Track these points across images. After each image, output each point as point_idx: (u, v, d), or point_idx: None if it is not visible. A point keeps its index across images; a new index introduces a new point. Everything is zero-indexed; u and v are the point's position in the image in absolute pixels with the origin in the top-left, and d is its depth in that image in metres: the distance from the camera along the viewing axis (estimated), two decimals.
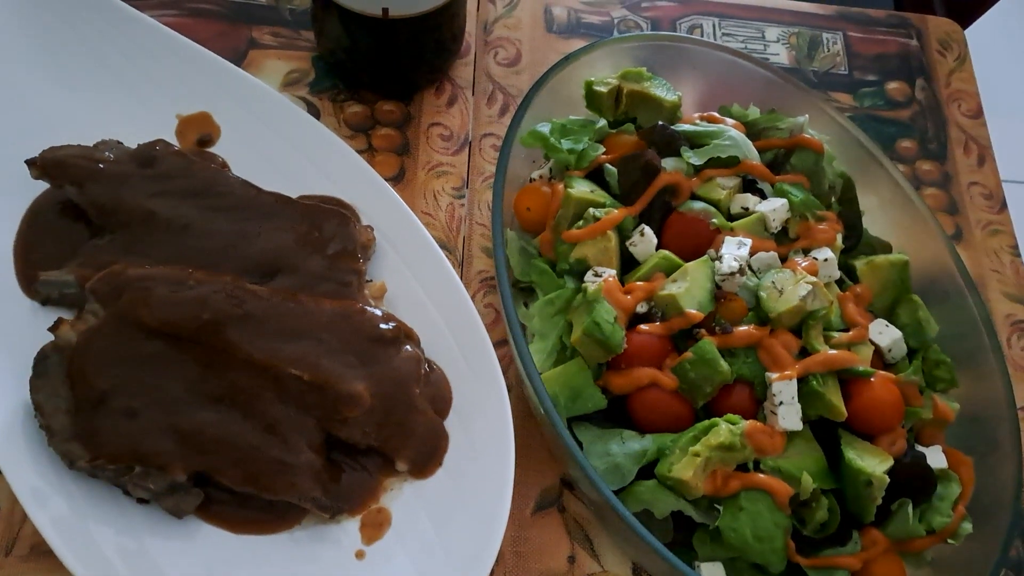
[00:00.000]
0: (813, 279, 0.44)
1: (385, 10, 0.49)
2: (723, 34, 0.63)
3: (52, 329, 0.42)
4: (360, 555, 0.41)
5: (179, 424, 0.40)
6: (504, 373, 0.44)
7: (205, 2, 0.57)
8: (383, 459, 0.43)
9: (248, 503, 0.41)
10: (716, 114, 0.52)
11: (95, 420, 0.40)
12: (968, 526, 0.43)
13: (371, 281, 0.47)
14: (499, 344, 0.46)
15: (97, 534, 0.39)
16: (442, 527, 0.42)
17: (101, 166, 0.46)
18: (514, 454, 0.42)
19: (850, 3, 0.67)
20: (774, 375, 0.42)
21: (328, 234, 0.47)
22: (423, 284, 0.47)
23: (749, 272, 0.45)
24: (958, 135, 0.61)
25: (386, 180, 0.49)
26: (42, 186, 0.47)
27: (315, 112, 0.55)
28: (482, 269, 0.52)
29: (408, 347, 0.44)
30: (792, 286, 0.44)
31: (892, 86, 0.63)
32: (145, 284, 0.42)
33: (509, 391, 0.43)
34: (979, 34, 0.74)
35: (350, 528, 0.42)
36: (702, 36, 0.62)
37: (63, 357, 0.41)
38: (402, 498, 0.43)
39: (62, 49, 0.51)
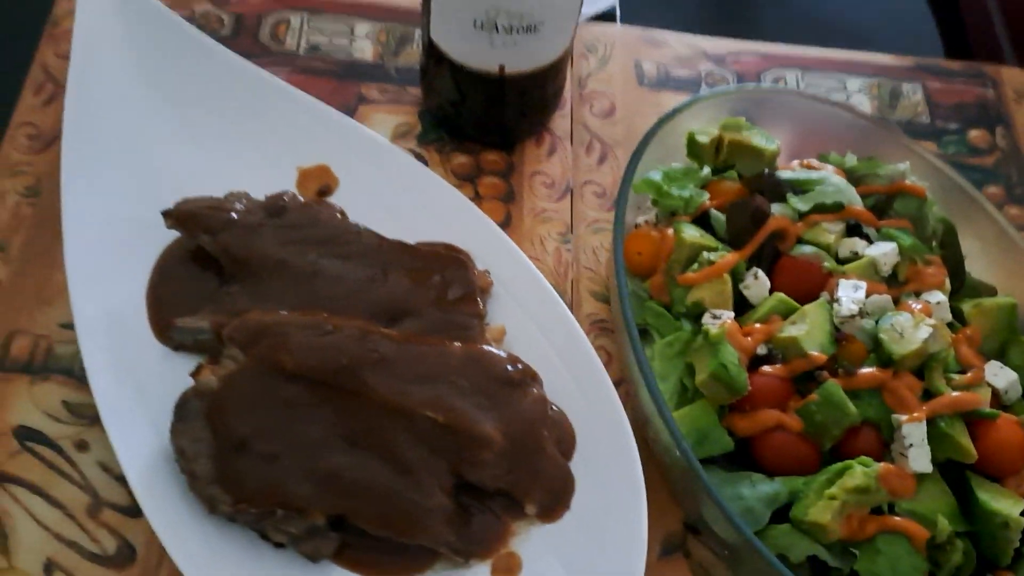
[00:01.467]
0: (932, 321, 0.45)
1: (501, 67, 0.51)
2: (806, 85, 0.64)
3: (194, 375, 0.43)
4: None
5: (318, 468, 0.41)
6: None
7: (317, 61, 0.60)
8: (510, 502, 0.44)
9: (381, 547, 0.42)
10: (816, 161, 0.54)
11: (237, 464, 0.41)
12: None
13: (490, 324, 0.48)
14: (614, 385, 0.46)
15: None
16: (575, 572, 0.42)
17: (234, 216, 0.48)
18: (645, 496, 0.42)
19: (926, 53, 0.68)
20: (903, 417, 0.43)
21: (448, 279, 0.48)
22: (540, 326, 0.48)
23: (866, 315, 0.46)
24: None
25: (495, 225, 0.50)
26: (171, 236, 0.49)
27: (423, 162, 0.56)
28: (591, 312, 0.53)
29: (534, 389, 0.45)
30: (912, 328, 0.45)
31: (974, 134, 0.64)
32: (283, 330, 0.43)
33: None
34: None
35: (481, 573, 0.42)
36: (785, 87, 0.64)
37: (204, 402, 0.42)
38: (531, 542, 0.43)
39: (189, 106, 0.53)
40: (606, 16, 0.67)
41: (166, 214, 0.48)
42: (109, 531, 0.43)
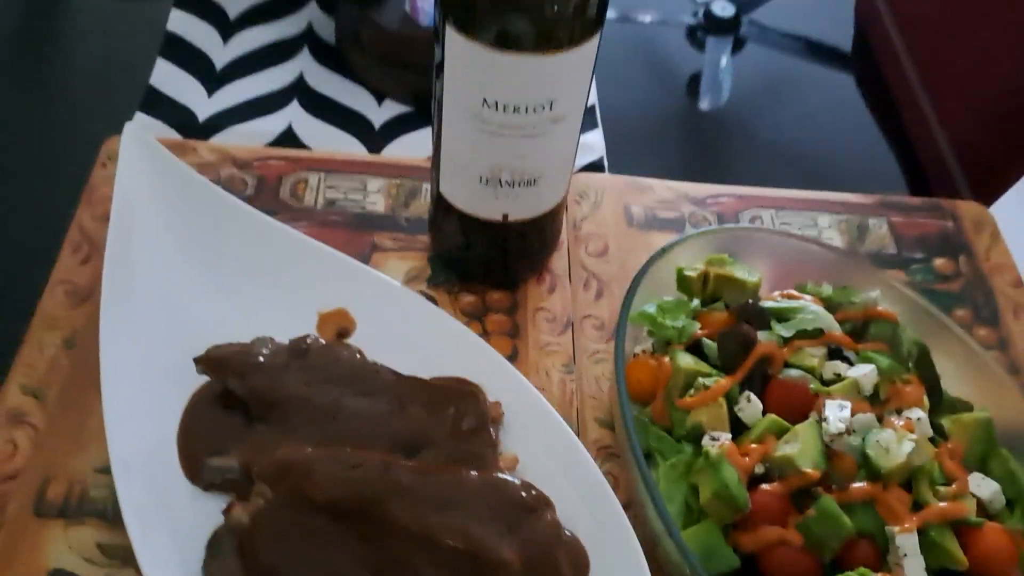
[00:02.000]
0: (914, 436, 0.48)
1: (504, 216, 0.57)
2: (781, 223, 0.70)
3: (225, 512, 0.46)
4: None
5: None
6: None
7: (333, 214, 0.65)
8: None
9: None
10: (795, 291, 0.59)
11: None
12: None
13: (503, 453, 0.51)
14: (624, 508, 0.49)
15: None
16: None
17: (260, 360, 0.52)
18: None
19: (890, 188, 0.75)
20: (896, 528, 0.45)
21: (462, 411, 0.52)
22: (550, 453, 0.51)
23: (853, 432, 0.49)
24: (1006, 303, 0.67)
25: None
26: (201, 380, 0.53)
27: (433, 303, 0.61)
28: (596, 438, 0.56)
29: (548, 514, 0.47)
30: (896, 444, 0.48)
31: (939, 262, 0.69)
32: (309, 464, 0.46)
33: None
34: (1004, 209, 0.82)
35: None
36: (762, 225, 0.70)
37: (236, 538, 0.44)
38: None
39: (217, 260, 0.58)
40: (595, 166, 0.74)
41: (197, 360, 0.52)
42: None
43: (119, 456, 0.47)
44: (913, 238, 0.71)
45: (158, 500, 0.47)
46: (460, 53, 0.49)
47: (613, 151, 0.61)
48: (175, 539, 0.46)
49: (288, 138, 0.73)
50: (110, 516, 0.49)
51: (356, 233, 0.65)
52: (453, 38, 0.49)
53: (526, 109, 0.50)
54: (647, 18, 1.00)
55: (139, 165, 0.60)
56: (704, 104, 0.93)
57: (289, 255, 0.58)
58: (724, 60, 0.95)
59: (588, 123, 0.77)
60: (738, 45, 0.99)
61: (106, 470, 0.48)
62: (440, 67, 0.51)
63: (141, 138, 0.61)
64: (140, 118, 0.72)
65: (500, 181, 0.54)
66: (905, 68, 0.90)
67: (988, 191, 0.78)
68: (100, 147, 0.68)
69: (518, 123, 0.51)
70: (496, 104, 0.50)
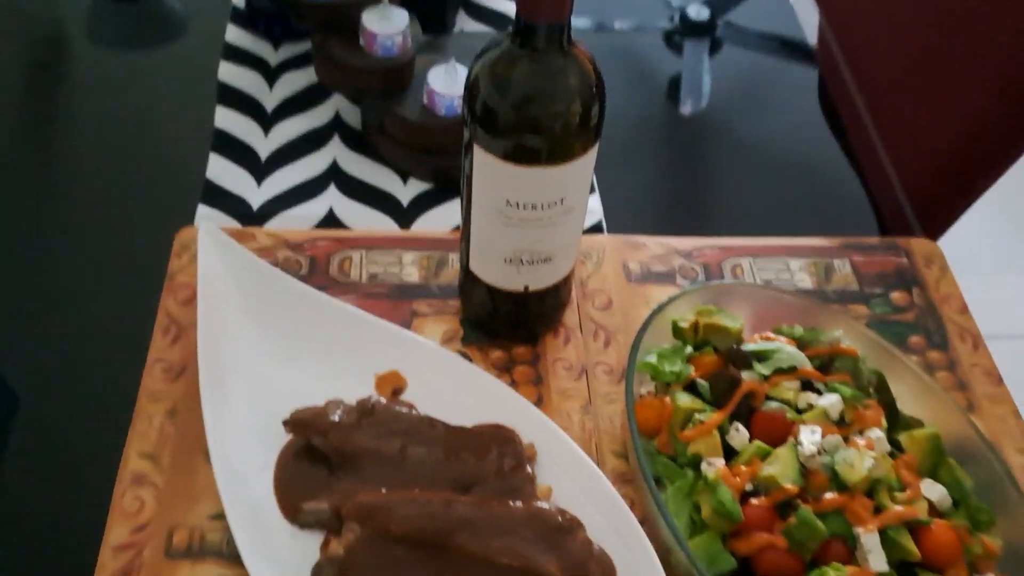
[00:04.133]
0: (874, 453, 0.60)
1: (526, 287, 0.68)
2: (758, 268, 0.82)
3: (323, 547, 0.57)
4: None
5: None
6: None
7: (375, 287, 0.77)
8: None
9: None
10: (772, 334, 0.70)
11: None
12: None
13: (539, 485, 0.62)
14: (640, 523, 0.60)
15: None
16: None
17: (336, 419, 0.63)
18: None
19: (849, 231, 0.87)
20: (861, 530, 0.57)
21: (503, 453, 0.63)
22: (577, 482, 0.62)
23: (824, 452, 0.61)
24: (954, 328, 0.79)
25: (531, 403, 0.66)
26: (286, 438, 0.64)
27: (468, 359, 0.72)
28: (613, 467, 0.67)
29: (580, 533, 0.59)
30: (859, 461, 0.60)
31: (895, 295, 0.81)
32: (389, 505, 0.58)
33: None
34: (950, 242, 0.94)
35: None
36: (743, 273, 0.81)
37: (334, 567, 0.56)
38: None
39: (285, 335, 0.69)
40: (596, 228, 0.86)
41: (285, 423, 0.63)
42: None
43: (231, 505, 0.58)
44: (873, 275, 0.83)
45: (266, 539, 0.58)
46: (485, 164, 0.61)
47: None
48: (283, 570, 0.57)
49: (330, 219, 0.84)
50: (226, 554, 0.60)
51: (397, 302, 0.76)
52: (480, 154, 0.60)
53: (542, 206, 0.62)
54: (623, 25, 1.00)
55: (215, 256, 0.71)
56: (685, 109, 0.96)
57: (346, 327, 0.70)
58: (703, 63, 0.98)
59: None
60: (715, 47, 1.02)
61: (219, 516, 0.59)
62: (469, 177, 0.63)
63: (214, 232, 0.73)
64: (203, 210, 0.83)
65: (521, 260, 0.66)
66: (861, 112, 1.01)
67: (936, 227, 0.90)
68: (173, 238, 0.79)
69: (535, 217, 0.62)
70: (517, 204, 0.62)
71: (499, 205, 0.62)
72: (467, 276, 0.71)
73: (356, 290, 0.77)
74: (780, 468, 0.60)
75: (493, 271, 0.68)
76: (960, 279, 0.84)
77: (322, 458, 0.63)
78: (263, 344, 0.69)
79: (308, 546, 0.59)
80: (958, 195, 0.92)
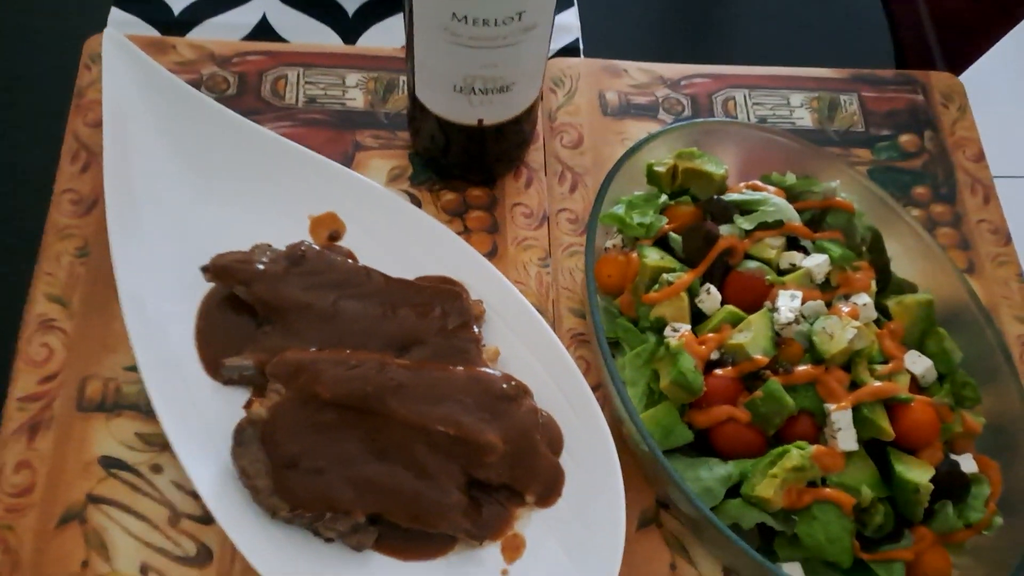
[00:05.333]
0: (857, 323, 0.54)
1: (480, 120, 0.59)
2: (753, 103, 0.72)
3: (246, 407, 0.52)
4: (504, 573, 0.51)
5: (355, 476, 0.50)
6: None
7: (314, 113, 0.68)
8: (513, 493, 0.53)
9: (411, 536, 0.51)
10: (759, 182, 0.62)
11: (290, 478, 0.50)
12: (999, 519, 0.52)
13: (485, 346, 0.57)
14: (593, 388, 0.55)
15: (296, 567, 0.49)
16: (569, 546, 0.51)
17: (261, 267, 0.56)
18: (622, 481, 0.52)
19: (861, 64, 0.76)
20: (832, 406, 0.52)
21: (448, 310, 0.57)
22: (527, 344, 0.57)
23: (802, 319, 0.55)
24: (964, 178, 0.71)
25: (483, 256, 0.59)
26: (208, 283, 0.58)
27: (416, 201, 0.65)
28: (571, 327, 0.61)
29: (526, 401, 0.54)
30: (840, 330, 0.54)
31: (904, 139, 0.72)
32: (317, 366, 0.52)
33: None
34: (974, 77, 0.83)
35: (493, 551, 0.52)
36: (735, 107, 0.72)
37: (257, 429, 0.51)
38: (532, 524, 0.52)
39: (209, 167, 0.61)
40: (570, 49, 0.75)
41: (204, 269, 0.56)
42: (188, 537, 0.52)
43: (144, 358, 0.53)
44: (882, 114, 0.73)
45: (185, 395, 0.53)
46: None
47: (588, 25, 0.58)
48: (204, 428, 0.53)
49: (263, 30, 0.73)
50: (144, 409, 0.55)
51: (338, 131, 0.67)
52: None
53: (496, 21, 0.51)
54: None
55: (123, 72, 0.61)
56: None
57: (278, 160, 0.61)
58: None
59: (562, 1, 0.76)
60: None
61: (135, 368, 0.53)
62: None
63: (120, 42, 0.62)
64: (117, 15, 0.72)
65: (474, 89, 0.56)
66: None
67: (960, 61, 0.79)
68: (82, 47, 0.68)
69: (488, 35, 0.52)
70: (465, 18, 0.51)
71: (444, 19, 0.52)
72: (415, 105, 0.62)
73: (291, 116, 0.67)
74: (751, 336, 0.54)
75: (441, 101, 0.59)
76: (979, 119, 0.74)
77: (248, 309, 0.57)
78: (182, 177, 0.61)
79: (233, 404, 0.54)
80: (992, 23, 0.80)
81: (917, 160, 0.71)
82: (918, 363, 0.56)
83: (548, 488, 0.53)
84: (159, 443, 0.54)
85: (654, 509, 0.56)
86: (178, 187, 0.60)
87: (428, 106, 0.60)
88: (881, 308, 0.59)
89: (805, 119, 0.72)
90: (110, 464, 0.54)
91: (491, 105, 0.58)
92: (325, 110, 0.68)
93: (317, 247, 0.59)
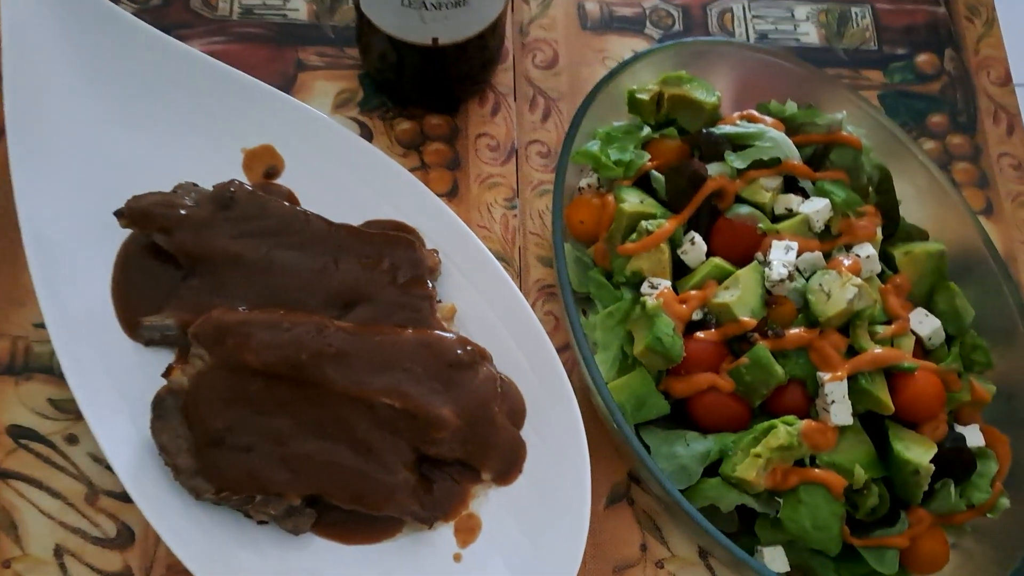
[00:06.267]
0: (858, 281, 0.47)
1: (435, 39, 0.51)
2: (753, 16, 0.64)
3: (165, 375, 0.46)
4: (457, 558, 0.46)
5: (289, 455, 0.45)
6: (568, 377, 0.47)
7: (251, 26, 0.59)
8: (469, 470, 0.48)
9: (355, 517, 0.46)
10: (755, 112, 0.54)
11: (215, 457, 0.44)
12: (1005, 501, 0.47)
13: (440, 303, 0.51)
14: (561, 349, 0.49)
15: (225, 553, 0.44)
16: (529, 528, 0.47)
17: (184, 212, 0.49)
18: (588, 457, 0.46)
19: None
20: (826, 376, 0.46)
21: (398, 262, 0.50)
22: (488, 301, 0.51)
23: (796, 275, 0.48)
24: (987, 105, 0.63)
25: (441, 196, 0.52)
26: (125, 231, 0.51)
27: (367, 132, 0.57)
28: (539, 278, 0.55)
29: (484, 368, 0.48)
30: (839, 289, 0.47)
31: (921, 59, 0.64)
32: (245, 329, 0.46)
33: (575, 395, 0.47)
34: None
35: (446, 533, 0.47)
36: (732, 20, 0.63)
37: (178, 400, 0.45)
38: (489, 504, 0.47)
39: (128, 93, 0.53)
40: None
41: (119, 214, 0.49)
42: (108, 516, 0.48)
43: (53, 314, 0.47)
44: (897, 30, 0.64)
45: (99, 357, 0.47)
46: None
47: None
48: (122, 395, 0.47)
49: None
50: (57, 371, 0.49)
51: (279, 49, 0.59)
52: None
53: None
54: None
55: None
56: None
57: (207, 84, 0.53)
58: None
59: None
60: None
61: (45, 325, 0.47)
62: None
63: None
64: None
65: (425, 4, 0.48)
66: None
67: None
68: None
69: None
70: None
71: None
72: (362, 20, 0.53)
73: (225, 30, 0.59)
74: (739, 294, 0.48)
75: (389, 16, 0.50)
76: (1009, 36, 0.66)
77: (172, 259, 0.50)
78: (95, 103, 0.53)
79: (155, 367, 0.48)
80: None
81: (935, 84, 0.63)
82: (925, 323, 0.50)
83: (507, 464, 0.48)
84: (75, 411, 0.48)
85: (625, 483, 0.51)
86: (89, 116, 0.52)
87: (375, 22, 0.51)
88: (887, 258, 0.53)
89: (811, 35, 0.64)
90: (20, 434, 0.49)
91: (446, 21, 0.50)
92: (263, 23, 0.59)
93: (249, 187, 0.51)
